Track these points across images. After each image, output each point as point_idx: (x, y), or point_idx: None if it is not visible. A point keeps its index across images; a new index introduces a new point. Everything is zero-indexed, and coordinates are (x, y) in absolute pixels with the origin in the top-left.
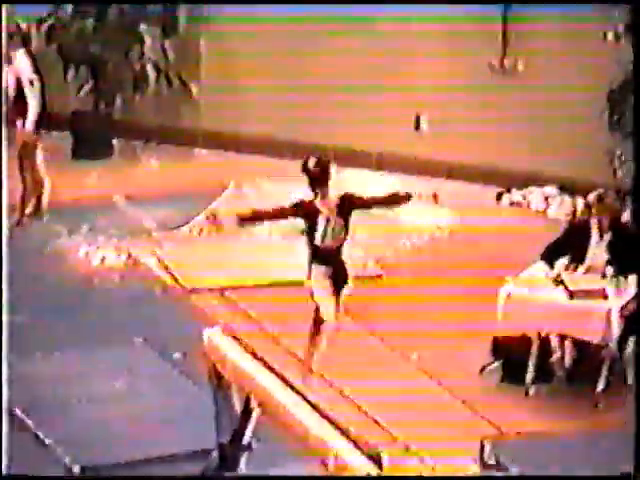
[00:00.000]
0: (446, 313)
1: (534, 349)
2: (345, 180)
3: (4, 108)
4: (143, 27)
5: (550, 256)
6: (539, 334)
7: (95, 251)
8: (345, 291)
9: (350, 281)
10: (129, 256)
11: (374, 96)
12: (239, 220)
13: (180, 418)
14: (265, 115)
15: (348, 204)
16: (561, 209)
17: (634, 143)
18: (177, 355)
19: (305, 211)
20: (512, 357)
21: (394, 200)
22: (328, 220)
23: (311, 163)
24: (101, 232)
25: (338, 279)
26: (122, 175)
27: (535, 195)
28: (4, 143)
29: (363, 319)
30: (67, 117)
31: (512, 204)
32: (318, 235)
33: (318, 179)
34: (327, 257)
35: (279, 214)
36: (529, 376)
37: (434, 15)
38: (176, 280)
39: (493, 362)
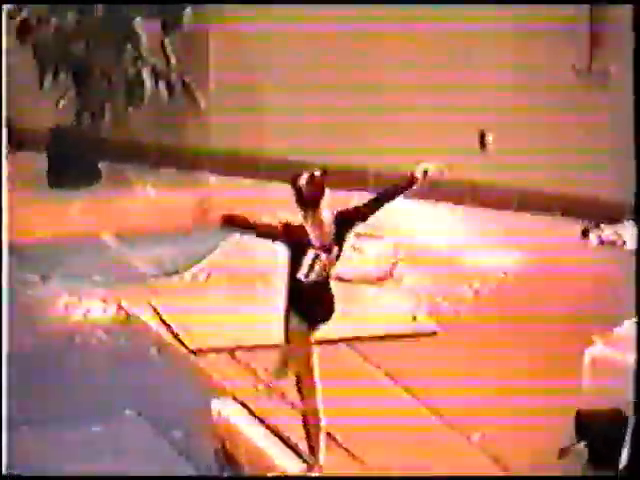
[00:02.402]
0: (516, 381)
1: (629, 427)
2: (396, 215)
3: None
4: (138, 21)
5: None
6: (636, 407)
7: (77, 302)
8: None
9: (332, 318)
10: (119, 308)
11: (428, 114)
12: (222, 221)
13: None
14: (289, 134)
15: (344, 222)
16: None
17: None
18: (177, 432)
19: (294, 238)
20: (601, 436)
21: (395, 191)
22: (317, 255)
23: (303, 179)
24: (84, 279)
25: (320, 324)
26: (111, 207)
27: (631, 231)
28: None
29: (412, 386)
30: (43, 134)
31: (602, 243)
32: (303, 269)
33: (310, 199)
34: (311, 297)
35: (267, 231)
36: (623, 462)
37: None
38: (177, 337)
39: (577, 443)
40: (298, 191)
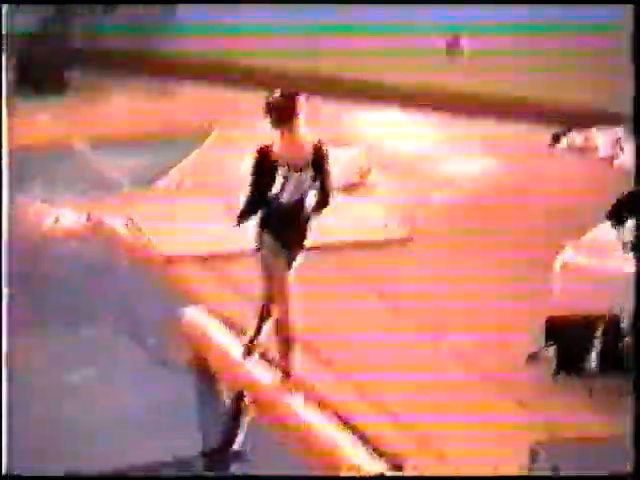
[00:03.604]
0: (488, 287)
1: (599, 332)
2: (366, 121)
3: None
4: None
5: (620, 215)
6: (605, 313)
7: (48, 210)
8: (294, 263)
9: (306, 245)
10: (88, 217)
11: (396, 17)
12: (238, 222)
13: (157, 417)
14: (264, 41)
15: (316, 162)
16: (634, 155)
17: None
18: (152, 339)
19: (267, 158)
20: (571, 342)
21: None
22: (287, 176)
23: (276, 96)
24: (57, 186)
25: (293, 245)
26: (82, 115)
27: (602, 137)
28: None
29: (385, 293)
30: (9, 40)
31: (572, 149)
32: (275, 188)
33: (282, 116)
34: (284, 216)
35: (257, 186)
36: (593, 366)
37: None
38: (151, 246)
39: (547, 348)
40: (270, 107)
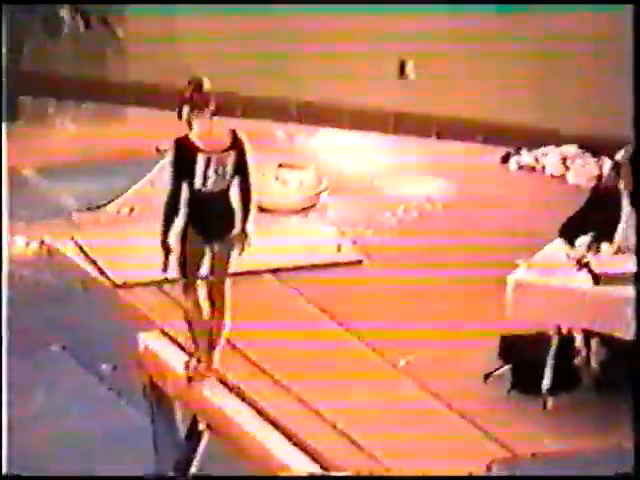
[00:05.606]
0: (442, 307)
1: (552, 349)
2: (318, 145)
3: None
4: None
5: (571, 232)
6: (558, 330)
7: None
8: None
9: (236, 234)
10: (42, 243)
11: (348, 43)
12: (164, 249)
13: (110, 444)
14: (212, 65)
15: (235, 146)
16: (583, 173)
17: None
18: (105, 366)
19: (184, 149)
20: (525, 360)
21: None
22: (209, 160)
23: (189, 85)
24: (6, 214)
25: (220, 238)
26: (31, 142)
27: (550, 156)
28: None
29: (338, 315)
30: None
31: (522, 168)
32: (197, 179)
33: (193, 104)
34: (209, 208)
35: (179, 179)
36: (547, 383)
37: None
38: (102, 272)
39: (502, 367)
40: (182, 102)
